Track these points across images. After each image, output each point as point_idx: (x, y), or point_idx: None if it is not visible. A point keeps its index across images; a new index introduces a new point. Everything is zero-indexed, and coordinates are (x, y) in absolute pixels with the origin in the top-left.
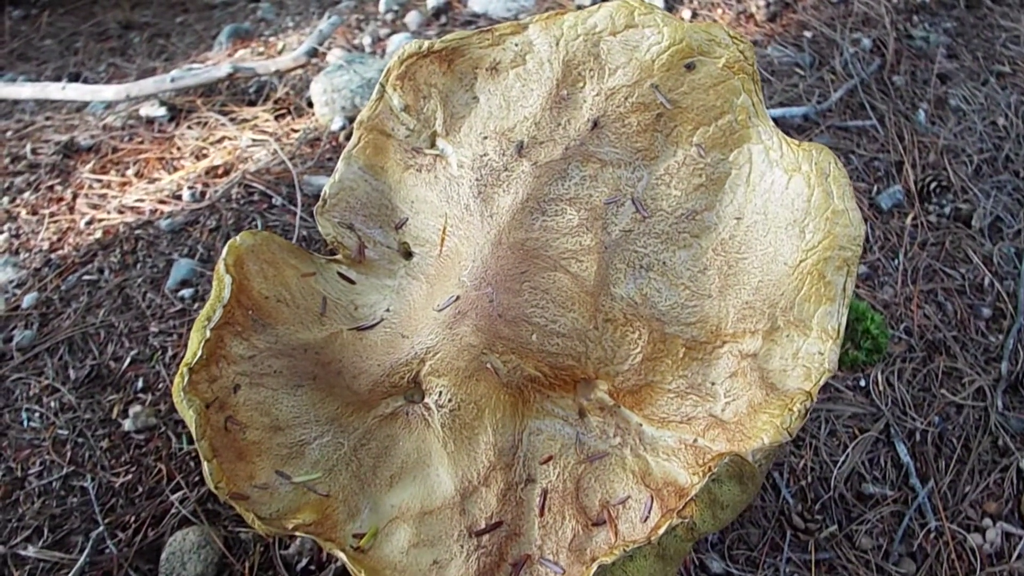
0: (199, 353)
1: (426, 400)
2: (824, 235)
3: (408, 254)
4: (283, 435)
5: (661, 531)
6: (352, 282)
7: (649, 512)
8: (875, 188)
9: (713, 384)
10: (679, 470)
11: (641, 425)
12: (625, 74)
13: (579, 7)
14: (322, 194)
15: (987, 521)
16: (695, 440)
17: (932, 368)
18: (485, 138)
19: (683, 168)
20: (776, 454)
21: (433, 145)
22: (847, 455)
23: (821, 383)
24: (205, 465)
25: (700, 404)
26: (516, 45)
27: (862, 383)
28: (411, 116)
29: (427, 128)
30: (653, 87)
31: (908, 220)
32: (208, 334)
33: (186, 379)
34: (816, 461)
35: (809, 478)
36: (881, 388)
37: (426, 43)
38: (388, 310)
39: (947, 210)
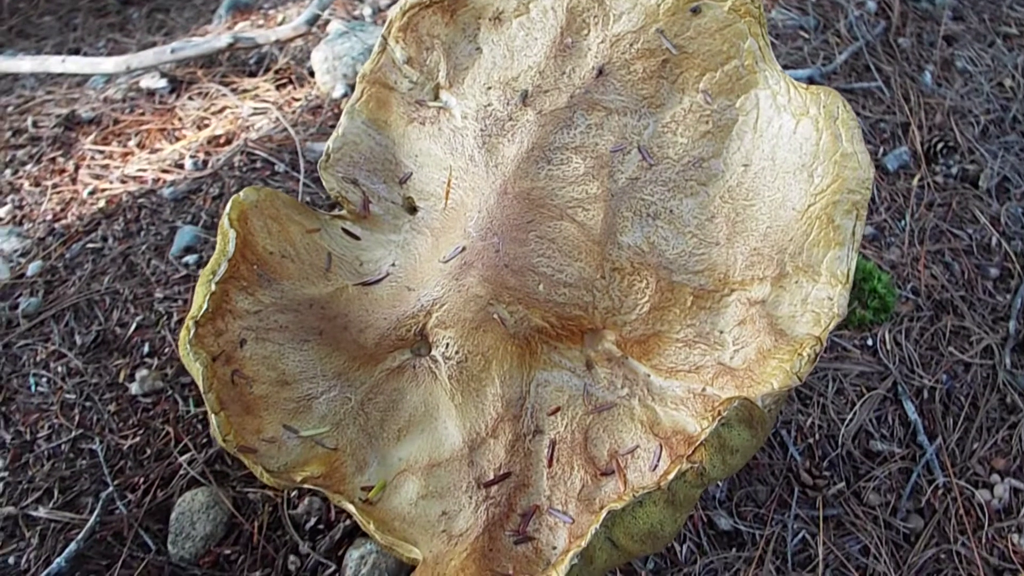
0: (204, 306)
1: (433, 353)
2: (833, 178)
3: (413, 209)
4: (290, 389)
5: (671, 476)
6: (357, 238)
7: (658, 461)
8: (881, 150)
9: (721, 332)
10: (688, 419)
11: (649, 375)
12: (630, 20)
13: None
14: (325, 148)
15: (995, 477)
16: (703, 389)
17: (939, 327)
18: (489, 88)
19: (689, 115)
20: (785, 400)
21: (437, 97)
22: (855, 413)
23: (831, 328)
24: (212, 418)
25: (708, 353)
26: None
27: (869, 342)
28: (414, 68)
29: (430, 80)
30: (659, 32)
31: (915, 181)
32: (213, 288)
33: (192, 332)
34: (824, 419)
35: (817, 436)
36: (888, 347)
37: None
38: (394, 264)
39: (954, 171)
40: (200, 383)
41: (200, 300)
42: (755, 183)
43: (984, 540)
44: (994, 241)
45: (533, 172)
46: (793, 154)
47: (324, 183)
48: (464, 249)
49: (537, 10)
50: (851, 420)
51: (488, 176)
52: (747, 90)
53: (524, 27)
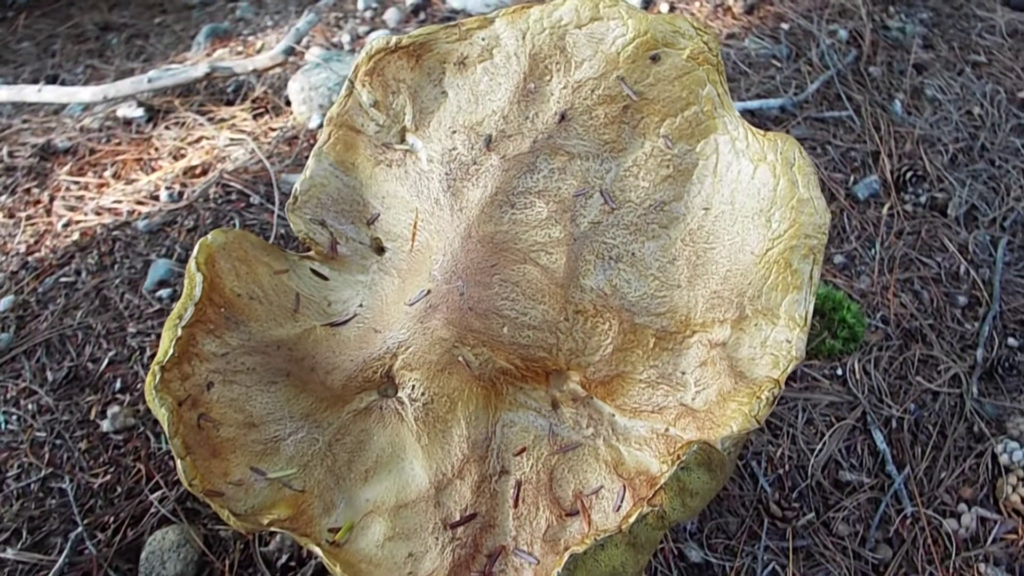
0: (170, 351)
1: (399, 394)
2: (790, 224)
3: (380, 249)
4: (257, 431)
5: (632, 520)
6: (325, 278)
7: (622, 502)
8: (852, 178)
9: (683, 373)
10: (651, 459)
11: (613, 415)
12: (591, 67)
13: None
14: (293, 191)
15: (962, 506)
16: (666, 429)
17: (908, 356)
18: (454, 132)
19: (651, 159)
20: (745, 441)
21: (403, 140)
22: (824, 443)
23: (789, 371)
24: (179, 463)
25: (671, 393)
26: (483, 39)
27: (839, 372)
28: (380, 112)
29: (396, 123)
30: (619, 79)
31: (884, 210)
32: (180, 332)
33: (158, 377)
34: (793, 449)
35: (786, 466)
36: (858, 376)
37: (394, 39)
38: (361, 305)
39: (923, 199)
40: (166, 428)
41: (166, 345)
42: (715, 226)
43: (952, 570)
44: (962, 269)
45: (497, 216)
46: (752, 199)
47: (292, 225)
48: (429, 292)
49: (500, 56)
50: (820, 450)
51: (453, 220)
52: (707, 135)
53: (488, 72)
